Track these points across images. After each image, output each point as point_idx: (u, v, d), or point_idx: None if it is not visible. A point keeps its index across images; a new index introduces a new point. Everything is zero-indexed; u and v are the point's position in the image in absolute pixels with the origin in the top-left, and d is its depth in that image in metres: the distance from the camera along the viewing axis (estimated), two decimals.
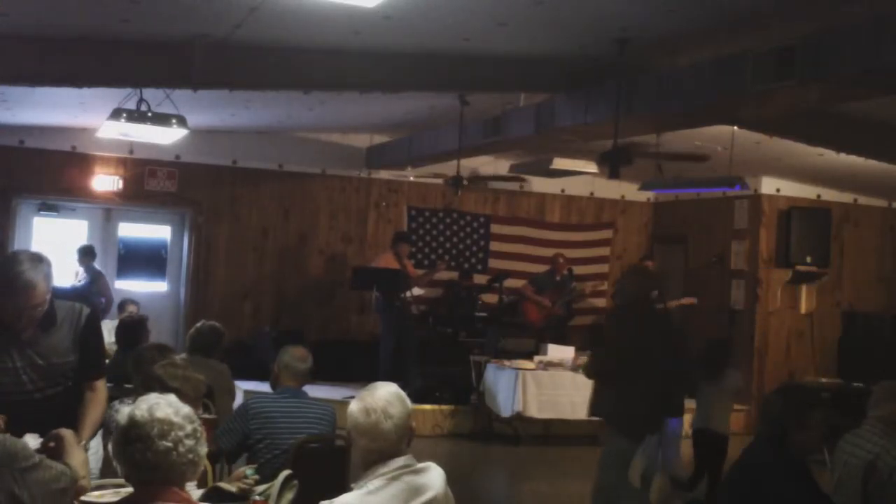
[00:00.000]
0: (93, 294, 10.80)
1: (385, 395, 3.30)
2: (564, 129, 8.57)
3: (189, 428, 2.70)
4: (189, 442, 2.68)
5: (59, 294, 4.12)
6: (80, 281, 11.31)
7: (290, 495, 3.84)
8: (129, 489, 2.83)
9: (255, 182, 12.80)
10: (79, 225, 12.53)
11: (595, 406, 6.73)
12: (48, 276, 3.92)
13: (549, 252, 13.27)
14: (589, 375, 6.82)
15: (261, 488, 3.97)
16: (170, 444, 2.65)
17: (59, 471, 2.93)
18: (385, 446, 3.23)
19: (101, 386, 4.28)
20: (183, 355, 5.83)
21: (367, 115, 10.82)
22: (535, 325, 12.28)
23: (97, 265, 12.05)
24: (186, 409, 2.76)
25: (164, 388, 3.98)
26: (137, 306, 10.70)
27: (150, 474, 2.67)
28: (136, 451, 2.66)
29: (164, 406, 2.71)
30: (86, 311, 4.20)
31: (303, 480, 3.94)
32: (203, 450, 2.76)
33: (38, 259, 3.93)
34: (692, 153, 9.29)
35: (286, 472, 3.90)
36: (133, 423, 2.68)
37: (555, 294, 12.43)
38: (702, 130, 9.17)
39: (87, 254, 11.45)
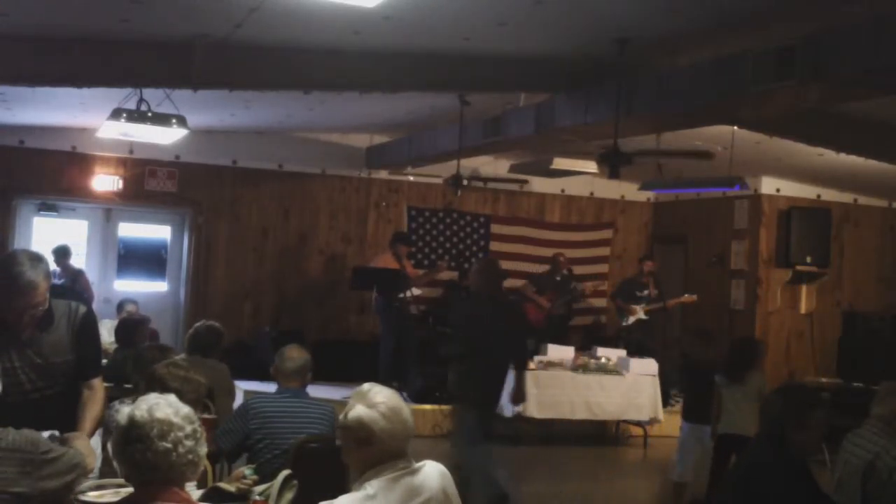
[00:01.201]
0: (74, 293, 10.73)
1: (389, 392, 3.30)
2: (564, 130, 8.57)
3: (189, 428, 2.71)
4: (189, 442, 2.69)
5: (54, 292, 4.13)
6: (59, 280, 11.24)
7: (289, 495, 3.83)
8: (130, 489, 2.84)
9: (255, 182, 12.80)
10: (79, 225, 12.53)
11: (450, 383, 7.48)
12: (48, 275, 3.94)
13: (549, 252, 13.27)
14: (447, 356, 7.59)
15: (260, 488, 3.97)
16: (169, 445, 2.65)
17: (63, 450, 3.26)
18: (405, 443, 3.23)
19: (99, 385, 4.29)
20: (182, 356, 5.83)
21: (367, 115, 10.82)
22: (535, 326, 12.27)
23: (97, 265, 12.06)
24: (186, 409, 2.77)
25: (164, 389, 3.99)
26: (136, 306, 10.72)
27: (150, 474, 2.67)
28: (135, 452, 2.67)
29: (163, 406, 2.72)
30: (82, 309, 4.21)
31: (303, 480, 3.94)
32: (203, 450, 2.76)
33: (38, 258, 3.95)
34: (696, 150, 9.28)
35: (286, 472, 3.90)
36: (133, 423, 2.68)
37: (555, 294, 12.43)
38: (702, 130, 9.17)
39: (63, 254, 11.38)
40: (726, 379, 7.27)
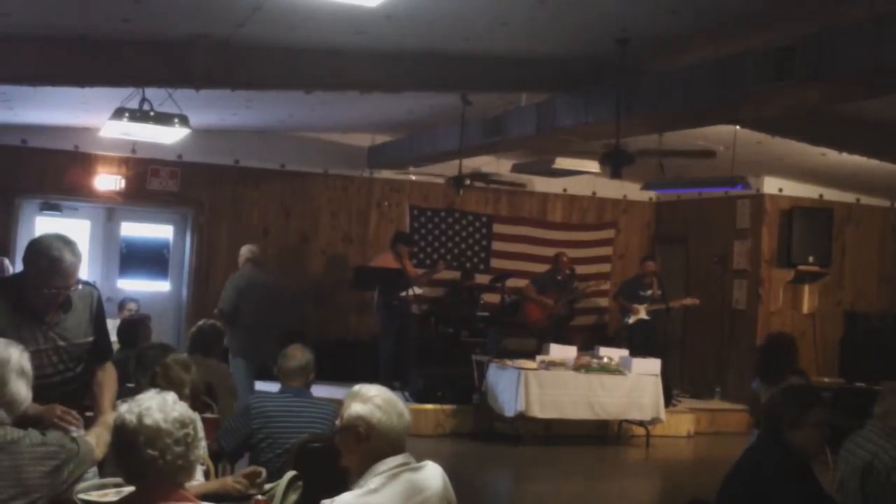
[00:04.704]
0: None
1: (380, 388, 3.33)
2: (565, 129, 8.57)
3: (179, 433, 2.68)
4: (178, 448, 2.66)
5: None
6: None
7: (294, 496, 3.84)
8: (131, 488, 2.84)
9: (256, 182, 12.81)
10: (81, 224, 12.52)
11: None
12: (80, 257, 4.09)
13: (551, 252, 13.26)
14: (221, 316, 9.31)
15: (264, 487, 3.97)
16: (155, 453, 2.63)
17: (51, 447, 3.13)
18: (404, 436, 3.24)
19: (112, 366, 4.46)
20: (184, 354, 5.84)
21: (368, 114, 10.82)
22: (537, 326, 12.28)
23: (100, 265, 12.05)
24: (177, 412, 2.73)
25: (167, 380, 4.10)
26: (137, 304, 10.75)
27: (139, 479, 2.68)
28: (123, 457, 2.68)
29: (154, 411, 2.69)
30: (96, 293, 4.35)
31: (305, 480, 3.94)
32: (197, 453, 2.74)
33: (71, 241, 4.09)
34: (699, 149, 9.27)
35: (292, 473, 3.90)
36: (122, 427, 2.68)
37: (557, 294, 12.43)
38: (704, 130, 9.18)
39: None
40: (763, 382, 6.62)
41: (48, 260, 3.96)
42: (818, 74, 5.79)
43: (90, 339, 4.25)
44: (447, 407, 10.77)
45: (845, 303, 13.15)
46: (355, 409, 3.24)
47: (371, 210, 13.39)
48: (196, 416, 2.89)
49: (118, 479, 3.20)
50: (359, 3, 5.33)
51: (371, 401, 3.24)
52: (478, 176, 11.43)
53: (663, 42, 7.04)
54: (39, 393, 3.94)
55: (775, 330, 9.94)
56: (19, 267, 7.77)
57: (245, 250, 10.27)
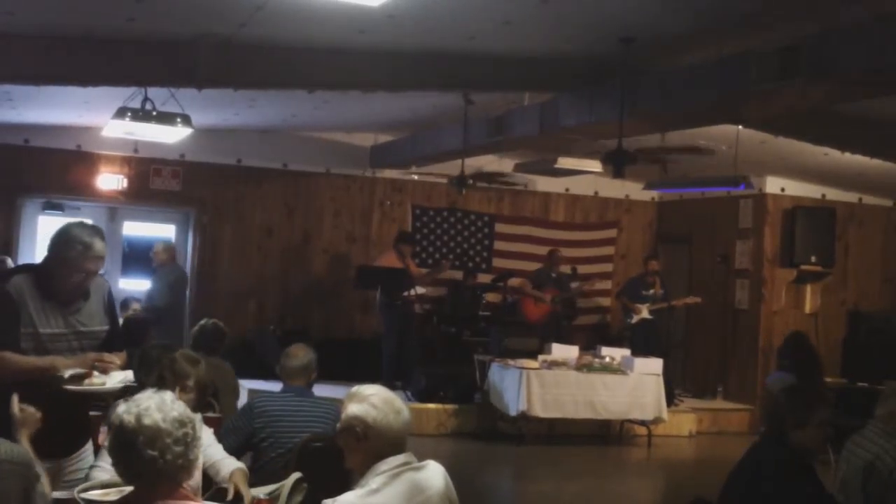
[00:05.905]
0: None
1: (378, 387, 3.34)
2: (568, 129, 8.56)
3: (179, 433, 2.67)
4: (178, 448, 2.66)
5: None
6: None
7: (299, 498, 3.84)
8: (131, 488, 2.84)
9: (259, 181, 12.81)
10: None
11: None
12: (106, 243, 4.22)
13: None
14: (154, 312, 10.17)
15: (268, 488, 3.97)
16: (155, 453, 2.63)
17: (17, 465, 3.10)
18: (404, 435, 3.25)
19: (124, 356, 4.49)
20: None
21: (370, 114, 10.82)
22: (535, 324, 12.26)
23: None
24: (176, 411, 2.72)
25: (173, 373, 4.14)
26: (140, 304, 10.76)
27: (139, 479, 2.68)
28: (122, 458, 2.68)
29: (153, 411, 2.68)
30: (107, 284, 4.47)
31: (307, 479, 3.94)
32: (197, 451, 2.74)
33: (98, 228, 4.24)
34: (696, 146, 9.26)
35: (296, 475, 3.90)
36: (121, 428, 2.68)
37: (553, 291, 12.42)
38: (706, 129, 9.17)
39: None
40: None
41: (83, 245, 4.09)
42: (822, 74, 5.79)
43: (106, 327, 4.35)
44: (449, 406, 10.78)
45: (848, 303, 13.15)
46: (352, 409, 3.26)
47: (373, 209, 13.39)
48: (198, 415, 2.89)
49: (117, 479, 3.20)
50: (361, 3, 5.32)
51: (367, 400, 3.25)
52: (480, 176, 11.43)
53: (667, 41, 7.04)
54: (57, 379, 4.02)
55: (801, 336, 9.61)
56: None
57: (164, 247, 11.24)
